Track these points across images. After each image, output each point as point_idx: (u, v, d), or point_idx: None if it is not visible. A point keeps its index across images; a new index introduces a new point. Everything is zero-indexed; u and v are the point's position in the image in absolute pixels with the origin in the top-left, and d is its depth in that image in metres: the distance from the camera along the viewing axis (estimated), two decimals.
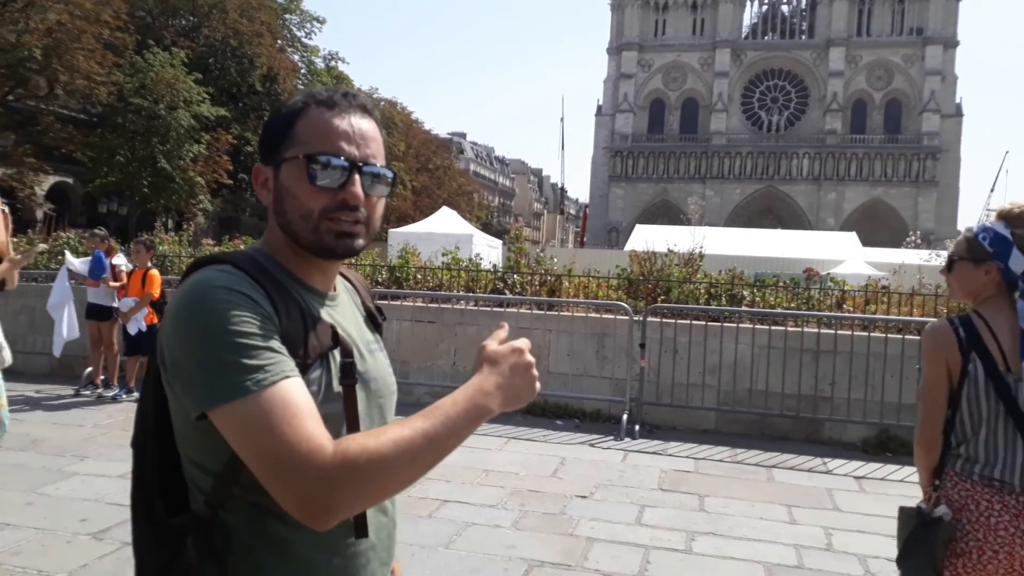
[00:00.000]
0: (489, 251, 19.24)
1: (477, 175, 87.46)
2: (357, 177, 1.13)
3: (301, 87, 41.20)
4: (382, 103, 45.53)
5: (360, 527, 1.13)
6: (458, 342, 8.06)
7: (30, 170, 29.23)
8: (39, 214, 30.27)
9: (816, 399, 7.26)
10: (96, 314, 8.18)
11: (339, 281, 1.30)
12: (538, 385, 1.17)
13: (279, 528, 1.07)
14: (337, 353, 1.13)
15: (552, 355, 7.83)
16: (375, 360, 1.24)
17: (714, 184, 68.81)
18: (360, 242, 1.16)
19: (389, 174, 1.18)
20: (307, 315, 1.12)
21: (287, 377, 1.00)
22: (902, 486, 5.93)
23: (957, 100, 67.76)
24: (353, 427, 1.11)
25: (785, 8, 72.09)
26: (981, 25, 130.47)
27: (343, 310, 1.24)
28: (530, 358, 1.15)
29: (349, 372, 1.12)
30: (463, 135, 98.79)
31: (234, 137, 34.08)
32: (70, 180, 33.84)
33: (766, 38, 71.53)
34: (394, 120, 43.98)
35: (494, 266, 9.49)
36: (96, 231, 8.66)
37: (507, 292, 8.39)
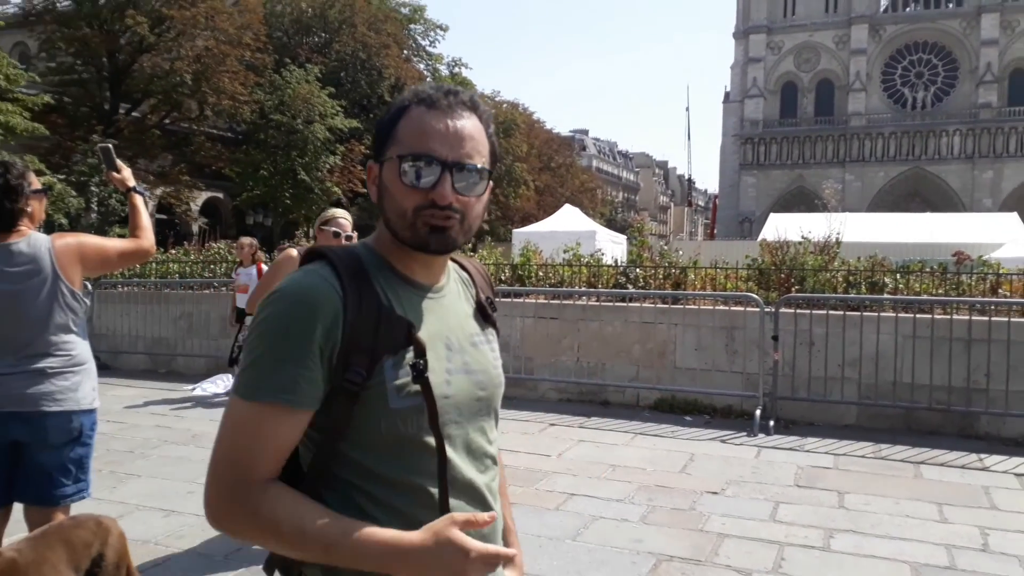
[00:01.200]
0: (613, 247, 19.11)
1: (600, 171, 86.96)
2: (448, 177, 1.16)
3: None
4: (504, 105, 46.21)
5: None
6: (581, 338, 8.08)
7: (185, 187, 31.80)
8: (195, 228, 32.82)
9: (969, 391, 6.77)
10: (245, 317, 8.80)
11: (453, 272, 1.34)
12: None
13: (372, 509, 1.14)
14: (411, 352, 1.15)
15: (678, 350, 7.71)
16: (478, 353, 1.28)
17: (854, 168, 65.05)
18: (455, 237, 1.20)
19: (484, 172, 1.21)
20: (384, 312, 1.16)
21: (282, 404, 1.10)
22: None
23: None
24: (433, 420, 1.16)
25: None
26: None
27: (448, 302, 1.28)
28: (475, 570, 1.07)
29: (419, 371, 1.15)
30: (585, 132, 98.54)
31: (366, 147, 35.63)
32: (220, 195, 36.49)
33: (907, 9, 66.83)
34: (516, 122, 44.57)
35: (616, 260, 9.44)
36: (243, 240, 9.31)
37: (630, 286, 8.32)
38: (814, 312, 7.27)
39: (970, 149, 62.50)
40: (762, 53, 68.79)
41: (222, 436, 1.13)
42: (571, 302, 8.24)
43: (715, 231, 62.66)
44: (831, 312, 7.23)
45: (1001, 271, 7.60)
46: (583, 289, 8.40)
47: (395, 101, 1.23)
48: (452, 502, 1.17)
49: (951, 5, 65.51)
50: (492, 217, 41.49)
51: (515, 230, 25.04)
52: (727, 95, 72.20)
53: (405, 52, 42.25)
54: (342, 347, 1.12)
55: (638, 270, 8.39)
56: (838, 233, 9.04)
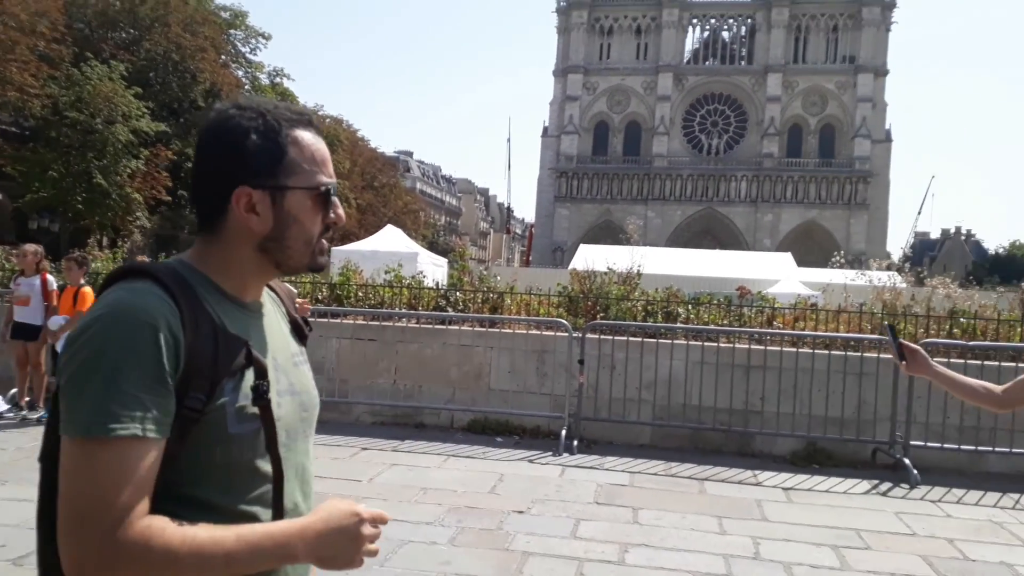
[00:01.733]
0: (434, 269, 19.23)
1: (424, 194, 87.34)
2: (336, 200, 1.22)
3: None
4: (328, 120, 45.22)
5: None
6: (399, 360, 8.05)
7: None
8: None
9: (747, 413, 7.47)
10: (23, 333, 7.93)
11: (264, 292, 1.30)
12: (360, 557, 1.11)
13: None
14: (250, 373, 1.11)
15: (493, 373, 7.89)
16: (299, 373, 1.25)
17: (656, 205, 70.14)
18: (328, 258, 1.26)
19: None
20: (220, 333, 1.10)
21: (143, 438, 0.99)
22: (828, 496, 6.14)
23: (887, 126, 70.70)
24: (272, 444, 1.12)
25: (725, 34, 74.31)
26: (909, 55, 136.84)
27: (269, 322, 1.24)
28: (368, 531, 1.11)
29: (260, 393, 1.11)
30: (410, 153, 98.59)
31: (174, 153, 33.41)
32: None
33: (707, 63, 73.53)
34: (339, 138, 43.72)
35: (436, 283, 9.52)
36: (27, 246, 8.40)
37: (449, 309, 8.42)
38: (616, 338, 7.72)
39: (754, 194, 69.60)
40: (579, 92, 72.62)
41: (77, 487, 0.97)
42: (391, 324, 8.19)
43: (531, 258, 64.82)
44: (631, 338, 7.72)
45: (776, 305, 8.47)
46: (403, 311, 8.39)
47: (262, 121, 1.15)
48: None
49: (743, 63, 72.84)
50: None
51: (335, 248, 24.46)
52: (545, 129, 75.36)
53: (223, 57, 40.24)
54: (184, 371, 1.04)
55: (458, 293, 8.51)
56: (639, 265, 9.69)
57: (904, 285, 11.21)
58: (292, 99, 44.89)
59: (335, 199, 1.21)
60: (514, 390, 7.80)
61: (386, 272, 9.24)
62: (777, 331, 7.74)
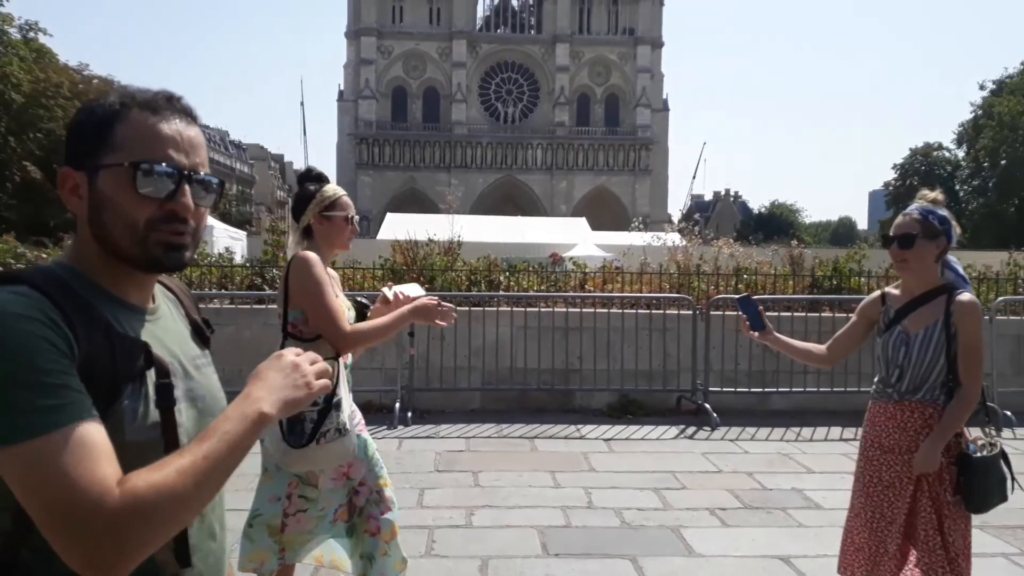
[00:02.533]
0: (232, 242, 18.21)
1: (211, 161, 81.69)
2: (187, 187, 1.10)
3: None
4: (95, 81, 40.72)
5: (183, 556, 1.09)
6: (214, 343, 7.63)
7: None
8: None
9: (567, 372, 7.96)
10: None
11: (159, 292, 1.24)
12: (316, 382, 1.17)
13: None
14: (152, 374, 1.07)
15: None
16: (203, 376, 1.21)
17: (458, 173, 70.89)
18: (188, 254, 1.14)
19: (216, 182, 1.16)
20: (115, 335, 1.05)
21: (82, 420, 0.94)
22: (644, 444, 6.74)
23: (664, 96, 76.11)
24: (172, 449, 1.06)
25: (515, 2, 75.88)
26: (683, 27, 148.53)
27: (165, 324, 1.19)
28: (293, 358, 1.16)
29: (166, 394, 1.08)
30: None
31: None
32: None
33: (499, 31, 74.82)
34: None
35: (249, 261, 9.11)
36: None
37: (266, 288, 8.10)
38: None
39: (549, 161, 72.44)
40: (373, 55, 71.13)
41: (46, 488, 0.90)
42: (202, 306, 7.72)
43: None
44: (458, 308, 7.87)
45: (586, 270, 9.01)
46: (215, 292, 7.95)
47: (95, 104, 1.12)
48: (192, 538, 1.12)
49: (533, 32, 74.91)
50: None
51: None
52: (341, 94, 73.29)
53: None
54: (80, 367, 0.98)
55: (275, 270, 8.20)
56: (459, 236, 9.86)
57: (686, 244, 12.33)
58: (51, 56, 40.04)
59: (186, 186, 1.10)
60: None
61: None
62: (589, 294, 8.27)
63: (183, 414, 1.11)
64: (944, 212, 2.59)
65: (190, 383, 1.16)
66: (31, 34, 40.14)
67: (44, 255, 8.24)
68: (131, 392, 1.04)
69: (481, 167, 71.69)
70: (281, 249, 8.91)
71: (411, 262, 8.75)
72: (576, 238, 28.29)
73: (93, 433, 0.95)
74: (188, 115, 1.15)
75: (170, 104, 1.13)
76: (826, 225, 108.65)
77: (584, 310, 8.01)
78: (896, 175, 58.94)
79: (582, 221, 35.17)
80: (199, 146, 1.14)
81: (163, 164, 1.09)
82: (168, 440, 1.07)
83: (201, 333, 1.28)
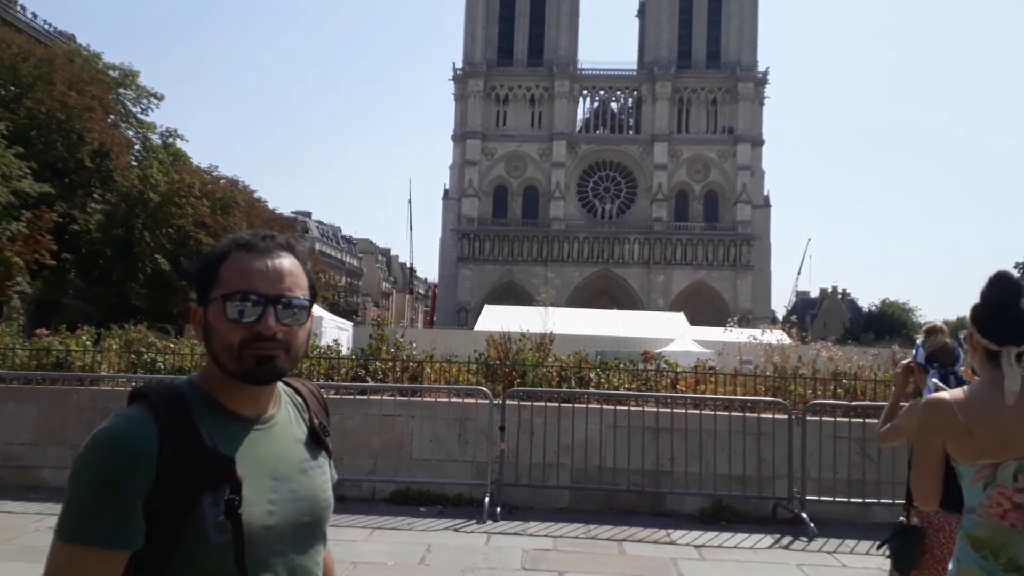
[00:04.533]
0: (339, 332, 19.06)
1: (323, 255, 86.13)
2: (271, 310, 1.29)
3: (134, 163, 39.59)
4: (222, 181, 44.29)
5: None
6: None
7: None
8: None
9: (658, 473, 7.86)
10: None
11: (286, 396, 1.43)
12: None
13: None
14: (227, 489, 1.23)
15: (415, 441, 7.98)
16: (307, 479, 1.36)
17: (555, 267, 71.84)
18: (280, 364, 1.31)
19: (305, 303, 1.34)
20: (205, 451, 1.25)
21: (98, 547, 1.18)
22: (736, 552, 6.53)
23: (765, 192, 75.52)
24: (239, 556, 1.23)
25: (614, 105, 78.04)
26: (783, 126, 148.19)
27: (278, 431, 1.36)
28: None
29: (230, 508, 1.22)
30: (308, 214, 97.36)
31: (59, 215, 31.91)
32: None
33: (598, 132, 76.84)
34: (236, 199, 42.83)
35: (354, 353, 9.58)
36: None
37: (368, 379, 8.49)
38: (534, 404, 8.00)
39: (647, 256, 72.44)
40: (477, 157, 74.19)
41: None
42: None
43: (435, 318, 64.86)
44: (548, 404, 8.01)
45: (679, 369, 9.00)
46: (321, 382, 8.39)
47: (214, 249, 1.37)
48: None
49: (631, 132, 76.53)
50: None
51: None
52: (446, 192, 76.34)
53: (112, 117, 39.06)
54: (157, 487, 1.20)
55: (377, 363, 8.60)
56: (551, 330, 10.07)
57: (789, 342, 12.06)
58: (185, 159, 43.95)
59: (270, 308, 1.28)
60: (436, 459, 7.91)
61: None
62: (681, 395, 8.24)
63: (276, 515, 1.29)
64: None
65: (292, 485, 1.33)
66: (170, 139, 44.43)
67: (171, 343, 8.94)
68: (211, 501, 1.23)
69: (578, 260, 72.49)
70: (384, 342, 9.36)
71: (504, 356, 8.98)
72: (673, 333, 28.04)
73: (99, 564, 1.18)
74: (283, 248, 1.36)
75: (265, 241, 1.36)
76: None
77: (676, 410, 7.96)
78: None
79: (679, 316, 34.83)
80: (287, 274, 1.33)
81: (246, 294, 1.29)
82: (237, 544, 1.23)
83: (317, 438, 1.44)
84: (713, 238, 72.64)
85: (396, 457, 7.93)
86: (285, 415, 1.41)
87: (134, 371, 8.62)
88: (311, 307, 1.37)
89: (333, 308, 49.81)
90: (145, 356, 8.84)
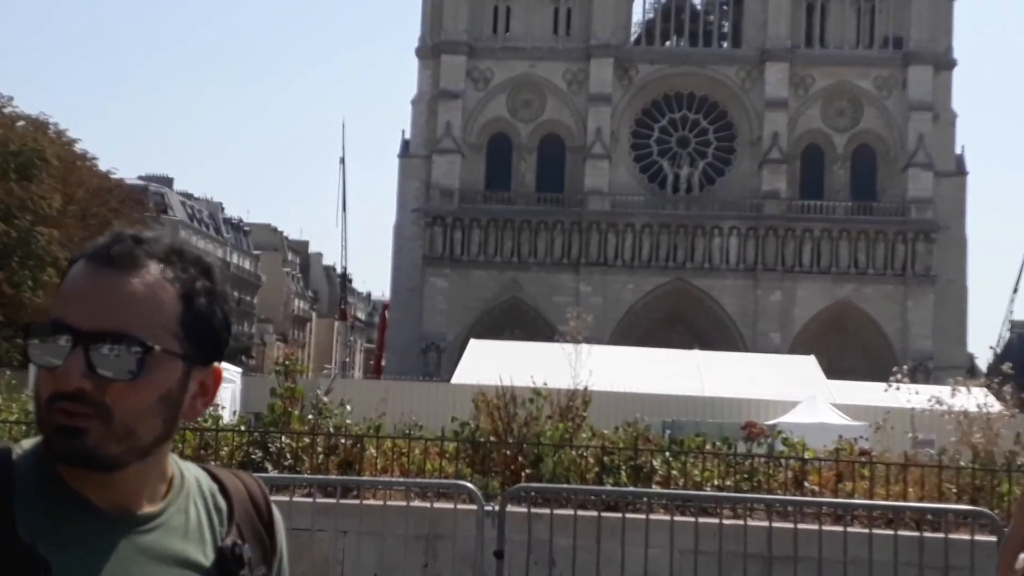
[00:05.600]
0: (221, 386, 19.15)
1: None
2: (80, 352, 1.34)
3: None
4: (19, 124, 44.49)
5: None
6: None
7: None
8: None
9: None
10: None
11: (197, 495, 1.51)
12: None
13: None
14: None
15: (347, 574, 7.94)
16: None
17: (592, 274, 71.83)
18: (92, 443, 1.34)
19: (139, 343, 1.36)
20: (11, 543, 1.32)
21: None
22: None
23: (957, 150, 75.26)
24: None
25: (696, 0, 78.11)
26: (982, 43, 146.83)
27: (154, 543, 1.42)
28: None
29: None
30: (167, 181, 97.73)
31: None
32: None
33: (667, 44, 76.91)
34: (44, 153, 42.93)
35: (243, 422, 9.58)
36: None
37: (269, 466, 8.48)
38: (555, 513, 7.94)
39: (751, 257, 72.18)
40: (461, 84, 74.30)
41: None
42: None
43: (384, 361, 64.78)
44: (579, 513, 7.97)
45: (807, 454, 8.95)
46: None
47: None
48: None
49: (725, 45, 76.48)
50: None
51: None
52: (406, 145, 76.44)
53: None
54: None
55: (284, 439, 8.59)
56: (586, 384, 10.05)
57: (999, 408, 11.99)
58: None
59: (78, 349, 1.33)
60: None
61: None
62: (813, 500, 8.20)
63: None
64: None
65: None
66: None
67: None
68: None
69: (632, 265, 72.40)
70: (294, 403, 9.33)
71: (504, 428, 8.96)
72: (797, 391, 27.91)
73: None
74: (151, 258, 1.42)
75: (119, 246, 1.42)
76: None
77: (802, 526, 7.93)
78: None
79: (808, 362, 34.70)
80: (131, 299, 1.39)
81: (51, 326, 1.36)
82: None
83: (225, 566, 1.48)
84: (867, 227, 72.57)
85: None
86: (180, 521, 1.47)
87: None
88: (150, 354, 1.38)
89: None
90: None
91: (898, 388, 15.28)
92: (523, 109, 75.36)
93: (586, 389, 9.87)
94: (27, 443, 1.47)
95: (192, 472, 1.53)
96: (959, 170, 75.03)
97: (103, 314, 1.36)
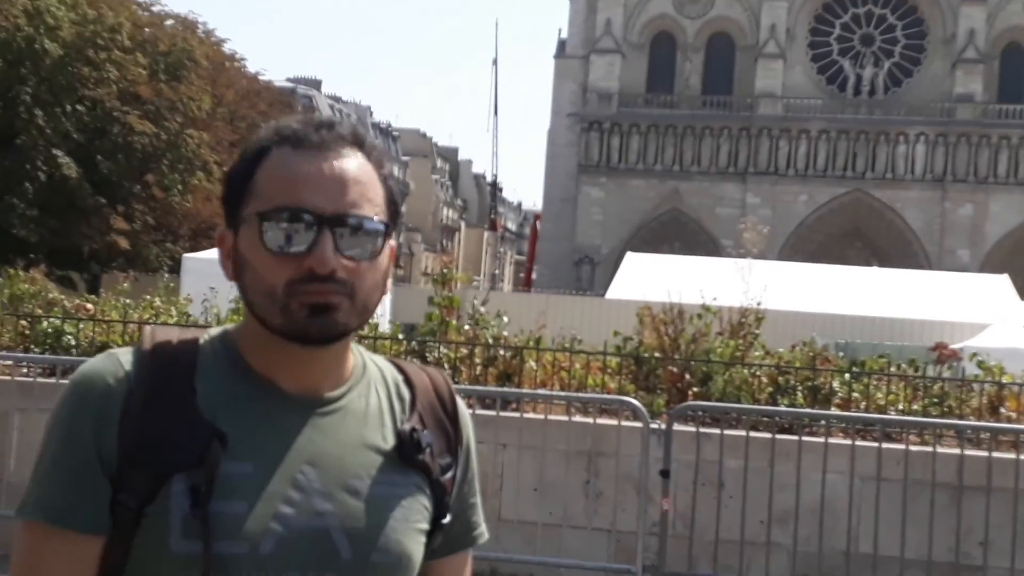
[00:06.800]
0: None
1: None
2: (328, 236, 1.44)
3: None
4: (168, 23, 45.46)
5: None
6: None
7: None
8: None
9: (959, 568, 7.73)
10: None
11: (380, 382, 1.62)
12: None
13: None
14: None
15: (507, 489, 8.14)
16: (363, 504, 1.49)
17: (761, 184, 70.86)
18: (343, 320, 1.46)
19: (380, 226, 1.50)
20: (187, 415, 1.44)
21: (51, 524, 1.43)
22: None
23: None
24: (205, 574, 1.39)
25: None
26: None
27: (337, 424, 1.52)
28: None
29: (197, 499, 1.38)
30: (315, 83, 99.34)
31: None
32: None
33: None
34: (192, 55, 43.92)
35: (397, 330, 9.77)
36: None
37: None
38: (726, 432, 7.96)
39: (940, 167, 70.23)
40: None
41: (12, 563, 1.48)
42: None
43: (534, 274, 65.23)
44: (752, 433, 7.96)
45: (1005, 377, 8.75)
46: None
47: (249, 144, 1.57)
48: None
49: None
50: (140, 227, 40.34)
51: (186, 256, 24.70)
52: (562, 46, 76.14)
53: None
54: (119, 454, 1.43)
55: (441, 349, 8.74)
56: (758, 300, 9.97)
57: None
58: None
59: (326, 233, 1.44)
60: (546, 522, 8.01)
61: None
62: (1010, 427, 8.02)
63: (275, 538, 1.44)
64: None
65: (327, 504, 1.48)
66: None
67: (87, 302, 9.35)
68: (184, 489, 1.41)
69: (806, 174, 71.15)
70: (452, 312, 9.48)
71: (671, 344, 8.96)
72: (987, 313, 27.21)
73: (58, 549, 1.43)
74: (348, 143, 1.53)
75: (320, 132, 1.51)
76: None
77: (997, 454, 7.80)
78: None
79: (1002, 281, 33.79)
80: (354, 181, 1.50)
81: (293, 212, 1.45)
82: (206, 563, 1.38)
83: (404, 450, 1.56)
84: None
85: None
86: (361, 405, 1.57)
87: (24, 348, 9.09)
88: (389, 233, 1.53)
89: None
90: (43, 325, 9.30)
91: None
92: (690, 4, 74.06)
93: (759, 307, 9.79)
94: (214, 330, 1.59)
95: (377, 362, 1.64)
96: None
97: (340, 198, 1.46)
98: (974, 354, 9.58)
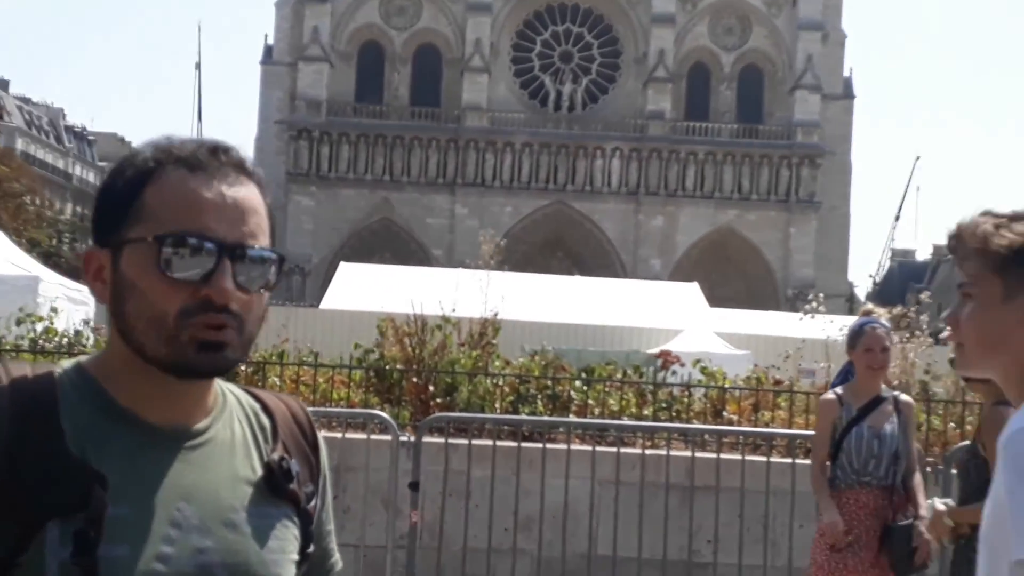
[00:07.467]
0: (72, 308, 18.56)
1: (33, 161, 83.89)
2: (228, 264, 1.39)
3: None
4: None
5: None
6: None
7: None
8: None
9: (691, 566, 8.02)
10: None
11: (239, 410, 1.56)
12: None
13: None
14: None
15: None
16: (238, 538, 1.45)
17: (469, 195, 71.85)
18: (231, 354, 1.41)
19: (272, 257, 1.47)
20: (60, 457, 1.35)
21: None
22: None
23: (846, 73, 76.79)
24: None
25: None
26: None
27: (205, 456, 1.47)
28: None
29: (83, 545, 1.31)
30: (2, 83, 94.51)
31: None
32: None
33: None
34: None
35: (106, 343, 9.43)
36: None
37: None
38: (473, 443, 8.01)
39: (634, 180, 72.90)
40: None
41: None
42: None
43: None
44: (497, 443, 8.05)
45: (726, 383, 9.16)
46: None
47: (126, 162, 1.47)
48: None
49: None
50: None
51: None
52: (268, 51, 74.99)
53: None
54: None
55: None
56: (496, 311, 10.12)
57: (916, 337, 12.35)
58: None
59: (225, 262, 1.39)
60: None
61: None
62: (736, 428, 8.41)
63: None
64: None
65: (206, 541, 1.42)
66: None
67: None
68: (60, 533, 1.32)
69: (512, 186, 72.54)
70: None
71: (414, 356, 8.97)
72: (681, 318, 28.37)
73: None
74: (240, 169, 1.48)
75: (215, 157, 1.45)
76: None
77: (725, 456, 8.14)
78: None
79: (692, 289, 35.33)
80: (251, 211, 1.46)
81: (199, 236, 1.39)
82: None
83: (272, 480, 1.52)
84: (752, 151, 73.73)
85: None
86: (227, 436, 1.52)
87: None
88: (281, 265, 1.50)
89: (51, 260, 48.47)
90: None
91: (812, 317, 15.67)
92: (397, 16, 74.53)
93: (495, 317, 9.93)
94: (67, 363, 1.48)
95: (233, 390, 1.58)
96: (847, 93, 76.56)
97: (240, 226, 1.42)
98: (697, 360, 9.98)
